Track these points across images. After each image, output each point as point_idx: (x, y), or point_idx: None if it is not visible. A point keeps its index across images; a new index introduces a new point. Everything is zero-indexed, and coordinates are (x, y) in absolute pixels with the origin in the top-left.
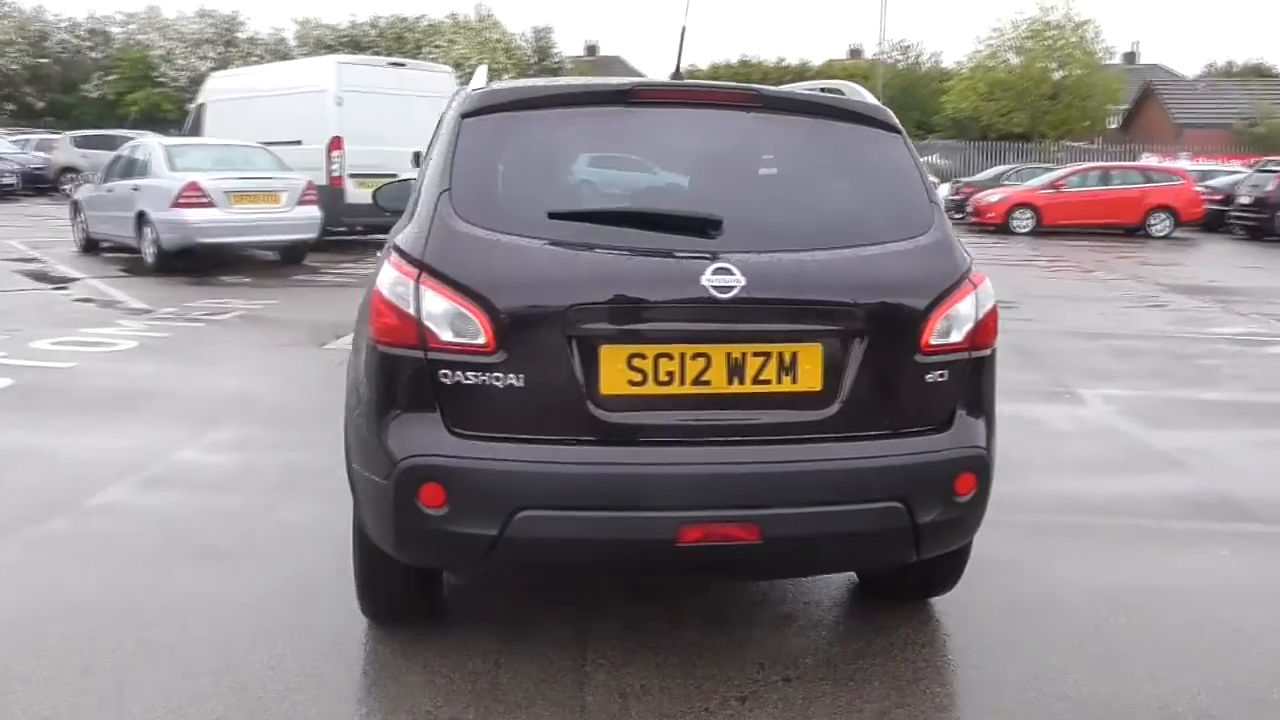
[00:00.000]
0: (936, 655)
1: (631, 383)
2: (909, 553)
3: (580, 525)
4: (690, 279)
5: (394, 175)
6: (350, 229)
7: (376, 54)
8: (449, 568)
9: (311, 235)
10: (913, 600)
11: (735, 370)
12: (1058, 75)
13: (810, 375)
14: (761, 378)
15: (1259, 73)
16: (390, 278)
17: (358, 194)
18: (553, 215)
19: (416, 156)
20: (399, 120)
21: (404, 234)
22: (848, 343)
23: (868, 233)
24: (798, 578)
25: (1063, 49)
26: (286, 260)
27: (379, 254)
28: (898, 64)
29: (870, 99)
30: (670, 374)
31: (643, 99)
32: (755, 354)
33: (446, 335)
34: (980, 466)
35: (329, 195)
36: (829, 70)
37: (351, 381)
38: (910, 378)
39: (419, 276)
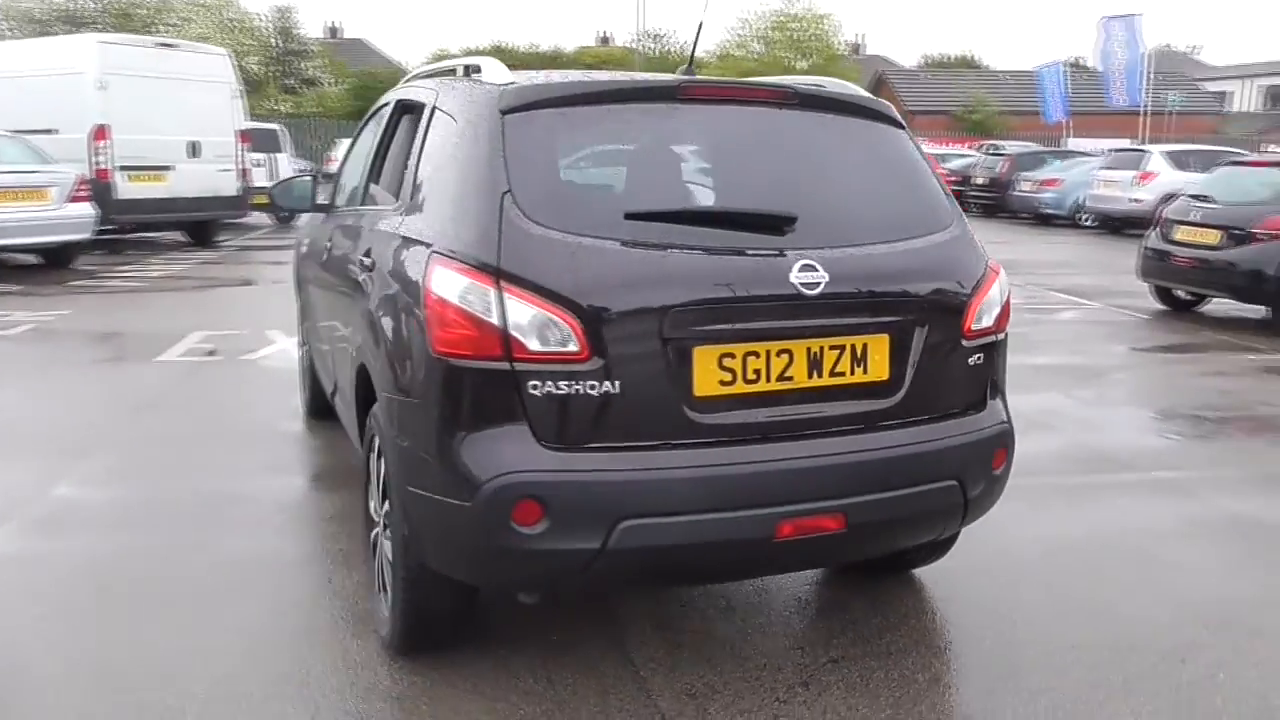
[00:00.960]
0: (948, 623)
1: (722, 383)
2: (956, 527)
3: (682, 531)
4: (780, 277)
5: (168, 167)
6: (122, 229)
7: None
8: (536, 587)
9: (85, 235)
10: (902, 570)
11: (815, 364)
12: (800, 65)
13: (879, 365)
14: (837, 370)
15: (968, 64)
16: (458, 285)
17: (129, 189)
18: (629, 216)
19: (193, 146)
20: (171, 107)
21: (453, 237)
22: (910, 332)
23: (910, 226)
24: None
25: (804, 40)
26: (52, 264)
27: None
28: (650, 52)
29: (865, 94)
30: (757, 372)
31: (691, 95)
32: (832, 347)
33: (534, 344)
34: (1011, 441)
35: (96, 190)
36: (582, 57)
37: (391, 402)
38: (958, 362)
39: (498, 283)
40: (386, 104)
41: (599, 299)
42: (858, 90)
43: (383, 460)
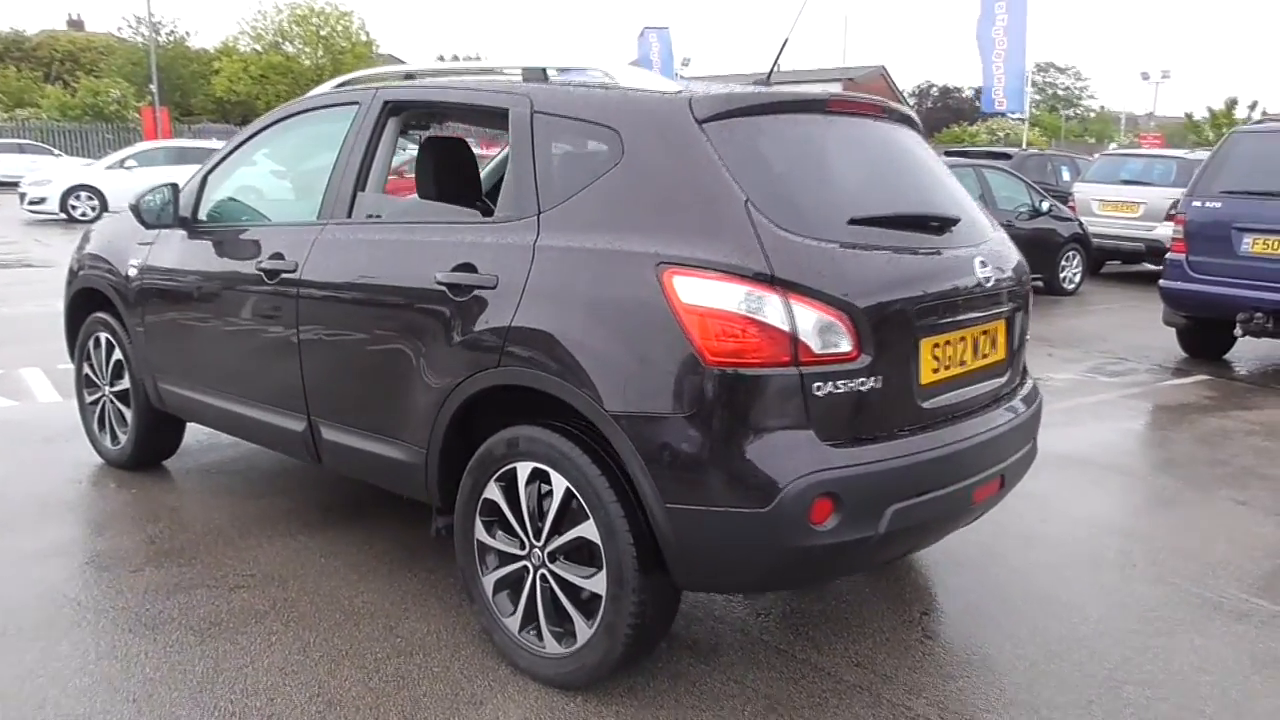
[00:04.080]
0: (994, 579)
1: (933, 370)
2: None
3: (928, 508)
4: (970, 271)
5: None
6: None
7: None
8: (815, 583)
9: None
10: None
11: (976, 348)
12: (323, 60)
13: (1002, 346)
14: (983, 352)
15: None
16: (734, 294)
17: None
18: (854, 221)
19: None
20: None
21: (695, 247)
22: (1014, 316)
23: (989, 222)
24: None
25: (328, 36)
26: None
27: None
28: (140, 40)
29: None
30: (951, 358)
31: (834, 109)
32: (983, 332)
33: (818, 347)
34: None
35: None
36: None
37: (634, 421)
38: (1022, 339)
39: (782, 290)
40: (347, 105)
41: (866, 300)
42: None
43: (568, 488)
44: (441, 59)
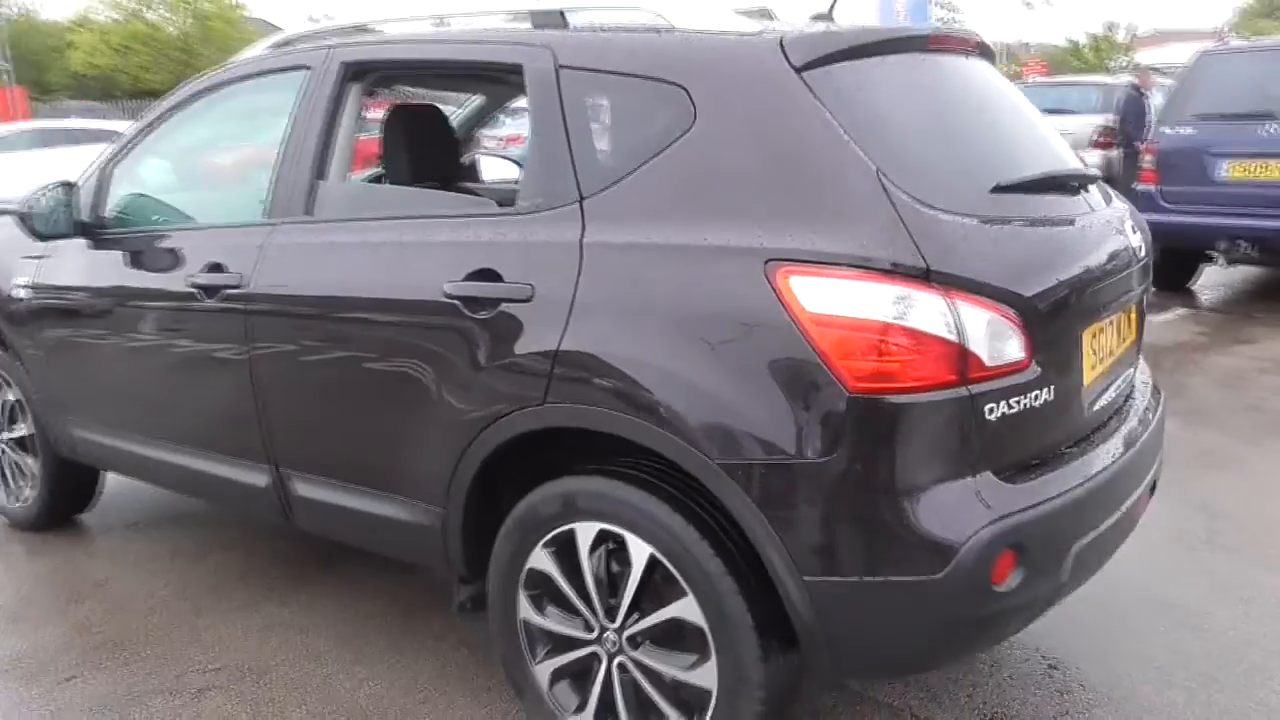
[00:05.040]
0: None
1: (1092, 367)
2: None
3: (1106, 540)
4: (1124, 237)
5: None
6: None
7: None
8: (979, 652)
9: None
10: None
11: (1119, 331)
12: (191, 26)
13: (1134, 324)
14: (1123, 335)
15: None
16: (881, 296)
17: None
18: (997, 188)
19: None
20: None
21: (816, 236)
22: (1144, 290)
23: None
24: None
25: (195, 3)
26: None
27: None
28: None
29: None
30: (1104, 349)
31: (934, 46)
32: (1123, 313)
33: (988, 358)
34: None
35: None
36: None
37: (749, 471)
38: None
39: (943, 288)
40: (292, 70)
41: (1032, 288)
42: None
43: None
44: (312, 19)
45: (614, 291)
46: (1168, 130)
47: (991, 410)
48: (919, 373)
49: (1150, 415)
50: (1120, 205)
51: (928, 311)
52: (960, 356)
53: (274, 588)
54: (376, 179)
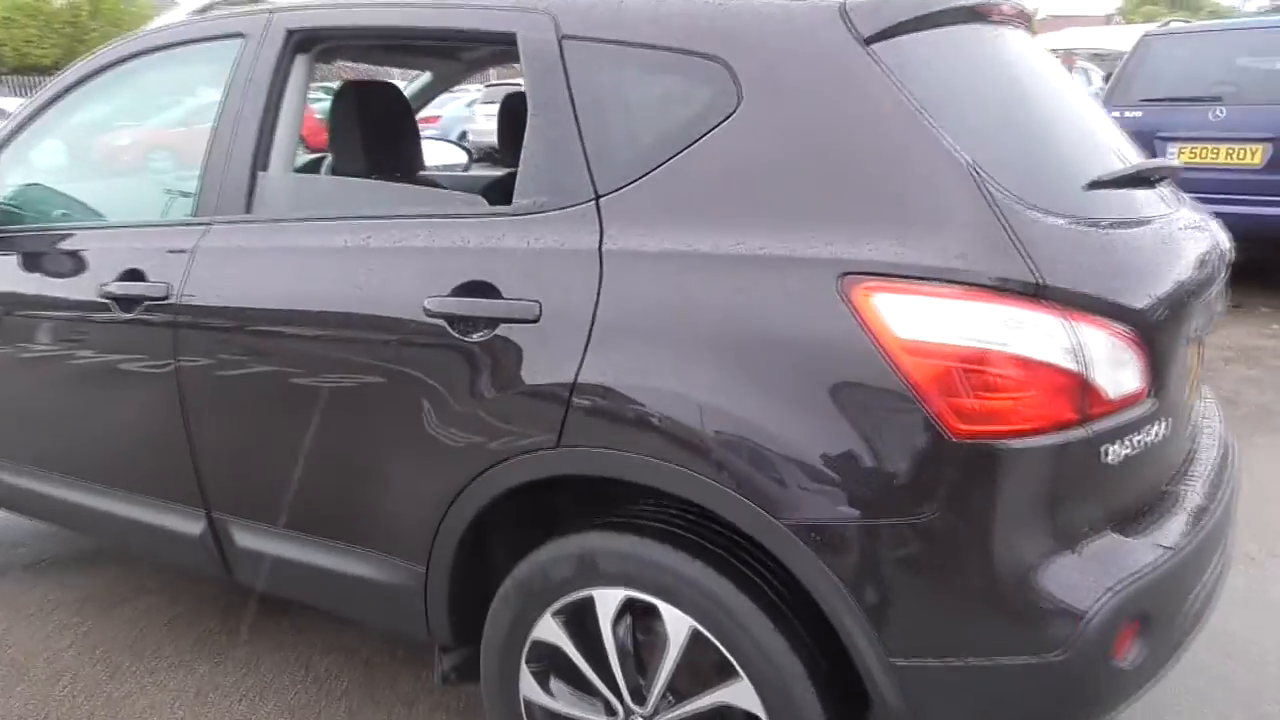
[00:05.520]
0: None
1: (1192, 387)
2: None
3: (1212, 589)
4: (1215, 238)
5: None
6: None
7: None
8: None
9: None
10: None
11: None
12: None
13: None
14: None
15: None
16: (989, 318)
17: None
18: (1092, 185)
19: None
20: None
21: (918, 242)
22: None
23: None
24: None
25: None
26: None
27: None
28: None
29: None
30: (1194, 362)
31: (997, 17)
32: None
33: (1112, 390)
34: None
35: None
36: None
37: (840, 536)
38: None
39: (1060, 306)
40: (224, 39)
41: (1148, 305)
42: None
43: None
44: None
45: (647, 310)
46: (1114, 114)
47: (1110, 453)
48: (1034, 411)
49: (1225, 435)
50: (1192, 202)
51: (1044, 336)
52: (1081, 390)
53: (207, 641)
54: (313, 166)
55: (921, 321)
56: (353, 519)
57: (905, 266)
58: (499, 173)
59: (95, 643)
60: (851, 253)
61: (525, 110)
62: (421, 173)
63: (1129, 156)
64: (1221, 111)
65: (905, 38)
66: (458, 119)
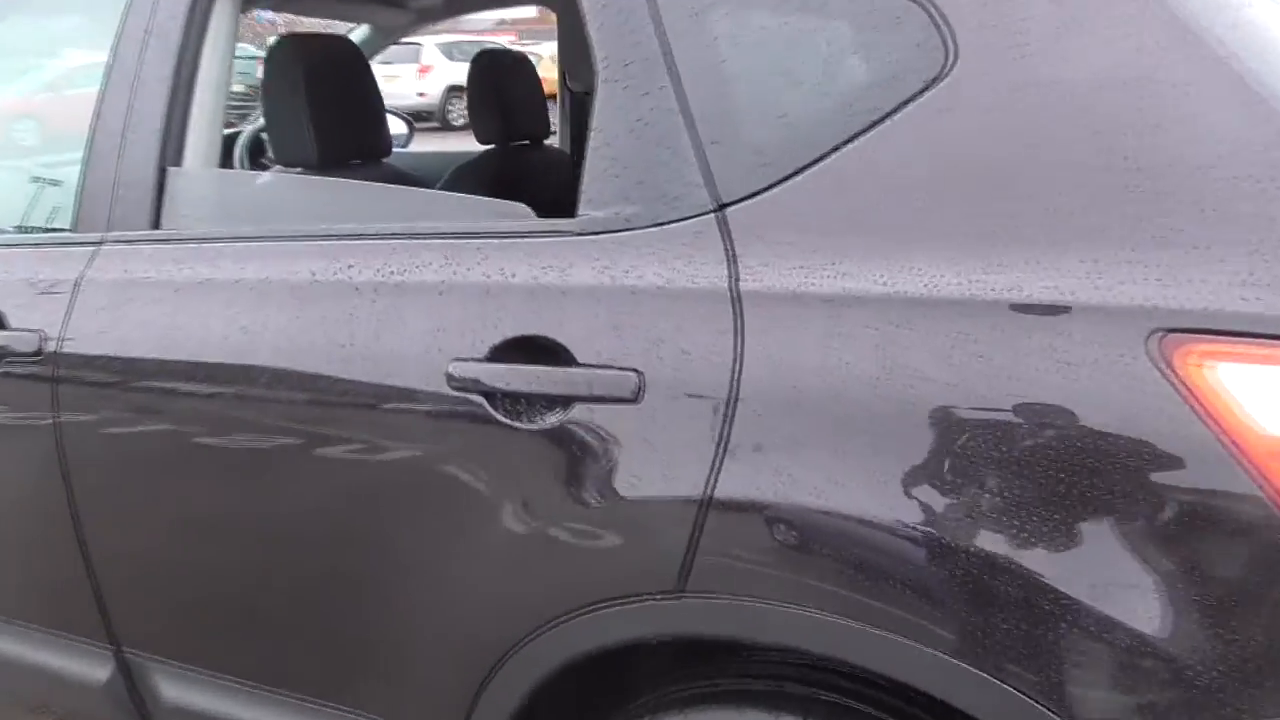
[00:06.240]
0: None
1: None
2: None
3: None
4: None
5: None
6: None
7: None
8: None
9: None
10: None
11: None
12: None
13: None
14: None
15: None
16: None
17: None
18: None
19: None
20: None
21: (1270, 287)
22: None
23: None
24: None
25: None
26: None
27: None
28: None
29: None
30: None
31: None
32: None
33: None
34: None
35: None
36: None
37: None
38: None
39: None
40: None
41: None
42: None
43: None
44: None
45: (824, 387)
46: None
47: None
48: None
49: None
50: None
51: None
52: None
53: None
54: (228, 144)
55: None
56: (332, 669)
57: (1263, 320)
58: (472, 150)
59: None
60: (1166, 298)
61: (502, 68)
62: (385, 160)
63: None
64: None
65: None
66: None
